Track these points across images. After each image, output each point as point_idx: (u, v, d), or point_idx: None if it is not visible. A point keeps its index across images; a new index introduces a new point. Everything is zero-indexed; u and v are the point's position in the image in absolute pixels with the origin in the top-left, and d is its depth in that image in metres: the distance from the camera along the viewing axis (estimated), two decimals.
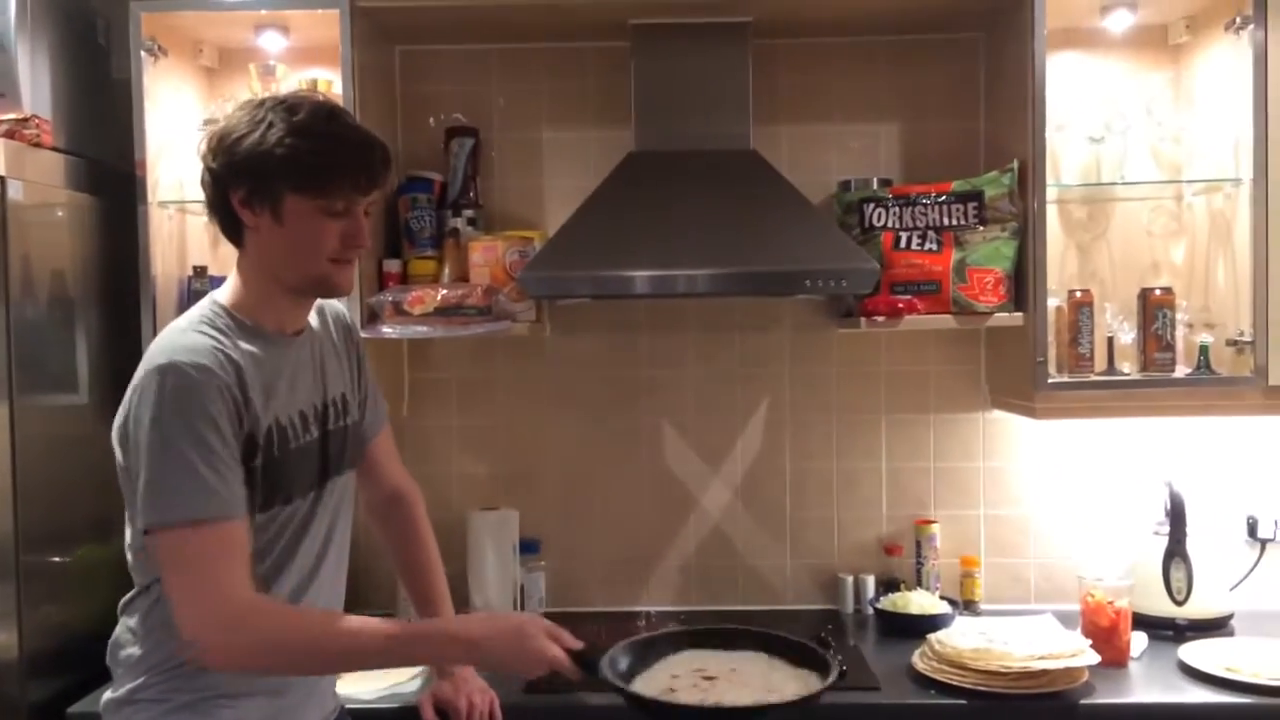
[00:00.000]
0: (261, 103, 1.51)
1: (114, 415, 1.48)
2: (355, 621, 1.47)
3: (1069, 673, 2.02)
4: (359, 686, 2.03)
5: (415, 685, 2.07)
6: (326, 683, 1.68)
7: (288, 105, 1.49)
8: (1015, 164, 2.32)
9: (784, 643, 1.77)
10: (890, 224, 2.39)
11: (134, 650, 1.55)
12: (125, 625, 1.58)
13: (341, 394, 1.69)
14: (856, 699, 2.04)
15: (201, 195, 1.56)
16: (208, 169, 1.52)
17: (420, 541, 1.87)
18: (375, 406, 1.82)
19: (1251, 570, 2.54)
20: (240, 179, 1.49)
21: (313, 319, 1.68)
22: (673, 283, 2.20)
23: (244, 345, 1.51)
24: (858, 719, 2.02)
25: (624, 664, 1.67)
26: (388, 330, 2.31)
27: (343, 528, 1.68)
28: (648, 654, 1.72)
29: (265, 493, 1.51)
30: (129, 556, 1.55)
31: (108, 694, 1.57)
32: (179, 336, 1.49)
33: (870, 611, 2.55)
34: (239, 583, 1.40)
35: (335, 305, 1.76)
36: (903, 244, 2.38)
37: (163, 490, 1.39)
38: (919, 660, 2.14)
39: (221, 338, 1.49)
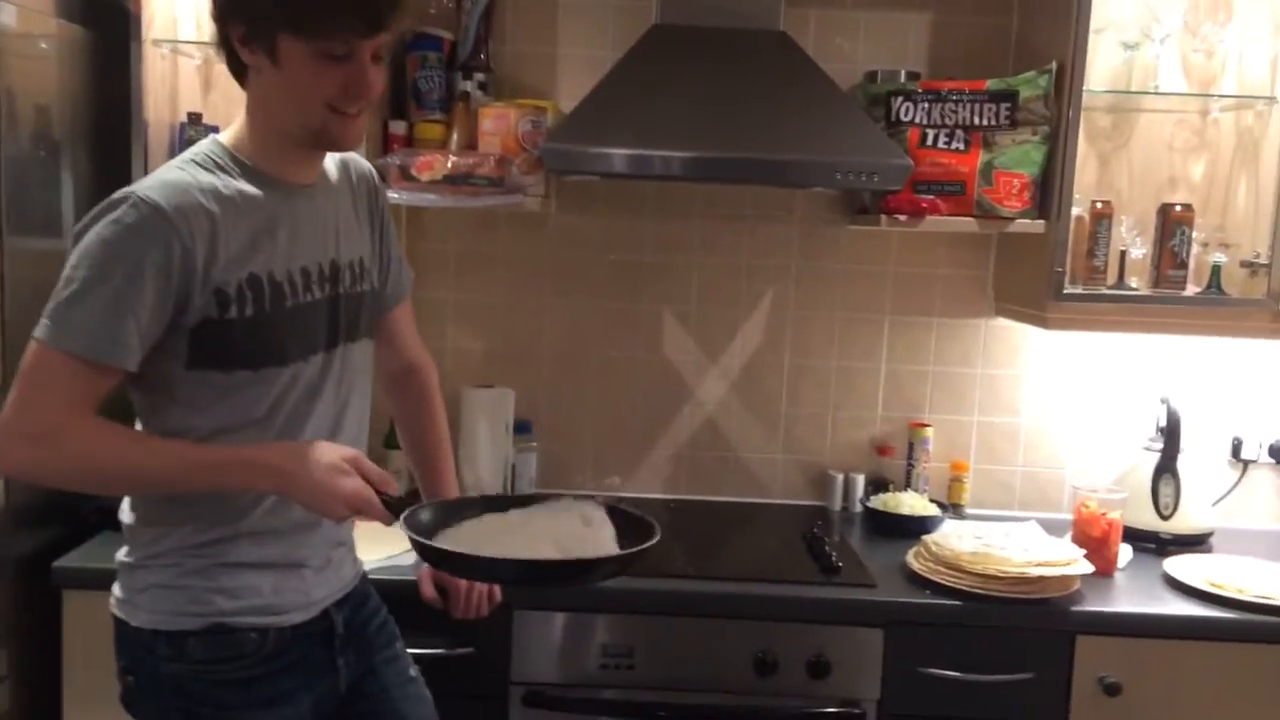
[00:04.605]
0: None
1: None
2: (157, 445, 1.42)
3: (1062, 580, 2.05)
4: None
5: (412, 558, 2.03)
6: (340, 555, 1.62)
7: None
8: (1054, 65, 2.25)
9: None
10: (918, 119, 2.32)
11: (137, 513, 1.50)
12: None
13: (360, 258, 1.60)
14: (855, 595, 2.06)
15: (194, 36, 1.45)
16: (211, 1, 1.42)
17: (431, 417, 1.82)
18: (399, 274, 1.74)
19: (1232, 489, 2.59)
20: (236, 16, 1.39)
21: (334, 173, 1.58)
22: (709, 166, 2.11)
23: (239, 185, 1.42)
24: (858, 614, 2.04)
25: (426, 516, 1.53)
26: (394, 195, 2.20)
27: (359, 398, 1.61)
28: (451, 514, 1.57)
29: (252, 349, 1.43)
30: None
31: (121, 555, 1.51)
32: (163, 171, 1.43)
33: (858, 509, 2.57)
34: (76, 417, 1.36)
35: (362, 164, 1.66)
36: (929, 141, 2.31)
37: (62, 311, 1.35)
38: (914, 560, 2.16)
39: (209, 176, 1.41)
